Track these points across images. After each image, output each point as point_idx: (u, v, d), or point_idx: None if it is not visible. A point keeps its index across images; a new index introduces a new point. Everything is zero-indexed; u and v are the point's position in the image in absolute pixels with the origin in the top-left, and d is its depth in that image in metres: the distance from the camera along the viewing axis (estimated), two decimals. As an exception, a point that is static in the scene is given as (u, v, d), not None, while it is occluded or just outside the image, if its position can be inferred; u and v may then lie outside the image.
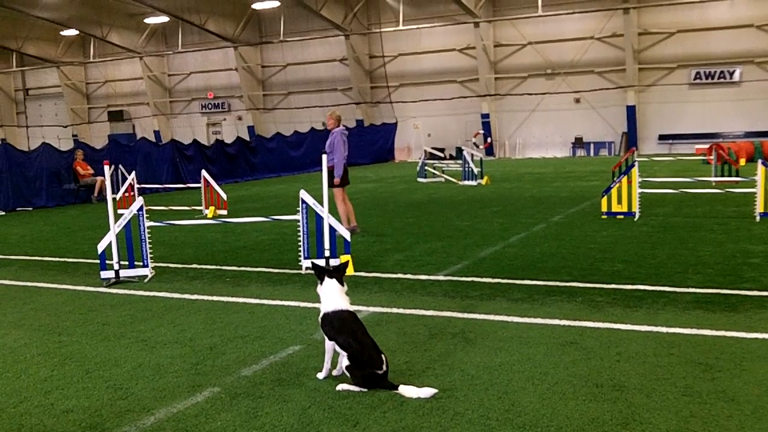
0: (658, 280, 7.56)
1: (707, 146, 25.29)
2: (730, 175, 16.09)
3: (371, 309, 6.87)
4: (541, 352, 5.36)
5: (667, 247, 9.55)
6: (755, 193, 11.86)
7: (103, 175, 9.71)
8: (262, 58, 48.12)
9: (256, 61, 47.75)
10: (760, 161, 11.94)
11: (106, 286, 8.61)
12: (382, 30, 42.55)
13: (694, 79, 38.73)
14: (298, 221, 8.89)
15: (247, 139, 34.10)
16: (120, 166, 21.56)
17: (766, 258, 8.57)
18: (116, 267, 8.81)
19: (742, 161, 22.92)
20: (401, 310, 6.79)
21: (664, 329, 5.81)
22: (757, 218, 11.69)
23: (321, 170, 9.00)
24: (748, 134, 35.75)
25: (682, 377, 4.74)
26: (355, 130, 39.99)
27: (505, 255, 9.48)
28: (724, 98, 38.12)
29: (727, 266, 8.16)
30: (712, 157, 19.86)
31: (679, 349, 5.31)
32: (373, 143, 39.69)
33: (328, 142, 11.70)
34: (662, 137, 39.18)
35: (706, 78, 38.56)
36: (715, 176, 16.69)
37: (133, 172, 18.92)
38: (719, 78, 38.33)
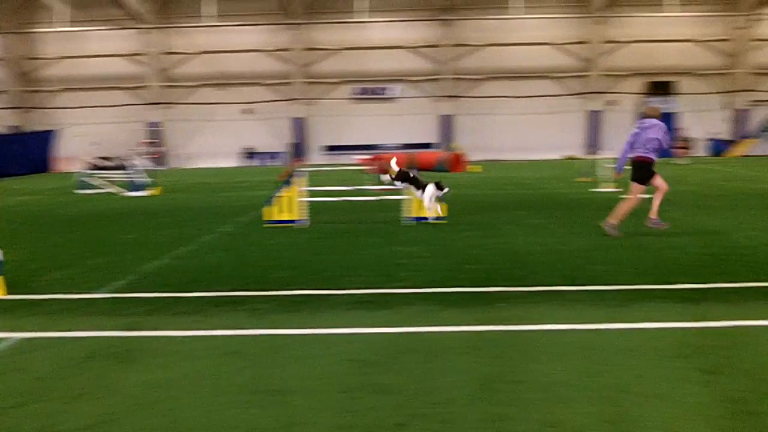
0: (321, 284, 7.90)
1: (367, 157, 27.22)
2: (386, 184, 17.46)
3: (19, 335, 6.23)
4: (205, 365, 5.30)
5: (330, 253, 10.05)
6: (404, 199, 13.03)
7: None
8: None
9: None
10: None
11: None
12: (39, 30, 39.26)
13: (357, 95, 41.50)
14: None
15: None
16: None
17: (411, 258, 9.43)
18: None
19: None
20: (56, 334, 6.25)
21: (323, 331, 6.08)
22: (407, 222, 12.83)
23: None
24: (404, 146, 39.20)
25: (340, 375, 5.00)
26: (9, 137, 36.36)
27: (173, 268, 9.24)
28: (382, 113, 41.40)
29: (382, 267, 8.82)
30: (371, 168, 21.42)
31: (338, 348, 5.59)
32: (30, 152, 36.32)
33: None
34: (327, 148, 41.38)
35: (367, 94, 41.54)
36: (373, 185, 18.02)
37: None
38: (378, 94, 41.54)
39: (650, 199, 11.50)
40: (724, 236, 10.79)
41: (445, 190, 12.50)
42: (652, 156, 10.97)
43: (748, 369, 4.98)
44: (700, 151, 40.27)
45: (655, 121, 11.08)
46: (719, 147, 41.10)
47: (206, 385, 4.88)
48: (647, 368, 5.03)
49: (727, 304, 6.81)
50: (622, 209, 11.19)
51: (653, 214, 11.23)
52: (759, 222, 12.13)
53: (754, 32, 41.29)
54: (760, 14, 40.89)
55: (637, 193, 11.11)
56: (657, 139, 10.92)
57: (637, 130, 11.11)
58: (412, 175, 12.71)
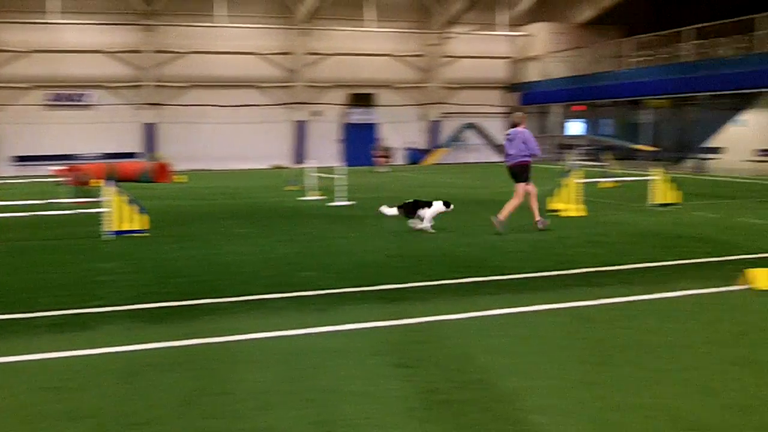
0: (8, 308, 7.17)
1: (64, 168, 25.32)
2: (84, 197, 16.38)
3: None
4: None
5: (19, 273, 9.19)
6: (105, 212, 12.31)
7: None
8: None
9: None
10: (108, 182, 12.47)
11: None
12: None
13: (51, 101, 38.63)
14: None
15: None
16: None
17: (112, 274, 8.98)
18: None
19: (96, 182, 23.55)
20: None
21: (12, 358, 5.54)
22: (107, 237, 12.12)
23: None
24: (104, 156, 37.14)
25: (32, 404, 4.61)
26: None
27: None
28: (80, 121, 38.92)
29: (79, 286, 8.27)
30: (66, 179, 20.00)
31: (29, 376, 5.16)
32: None
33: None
34: (17, 159, 37.89)
35: (62, 100, 38.84)
36: (71, 198, 16.82)
37: None
38: (74, 101, 39.02)
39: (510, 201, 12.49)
40: (419, 238, 11.66)
41: (451, 207, 12.43)
42: (528, 159, 12.31)
43: (441, 361, 5.42)
44: (399, 159, 43.15)
45: (520, 129, 12.39)
46: (416, 156, 44.41)
47: None
48: (351, 368, 5.26)
49: (422, 301, 7.38)
50: (509, 207, 12.30)
51: (501, 215, 12.21)
52: (453, 222, 13.24)
53: (444, 49, 45.26)
54: (449, 33, 44.93)
55: (522, 191, 12.41)
56: (525, 143, 12.23)
57: (507, 140, 12.50)
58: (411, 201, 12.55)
